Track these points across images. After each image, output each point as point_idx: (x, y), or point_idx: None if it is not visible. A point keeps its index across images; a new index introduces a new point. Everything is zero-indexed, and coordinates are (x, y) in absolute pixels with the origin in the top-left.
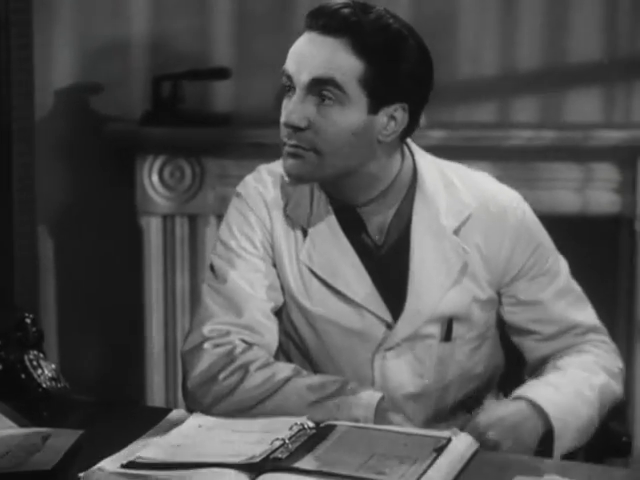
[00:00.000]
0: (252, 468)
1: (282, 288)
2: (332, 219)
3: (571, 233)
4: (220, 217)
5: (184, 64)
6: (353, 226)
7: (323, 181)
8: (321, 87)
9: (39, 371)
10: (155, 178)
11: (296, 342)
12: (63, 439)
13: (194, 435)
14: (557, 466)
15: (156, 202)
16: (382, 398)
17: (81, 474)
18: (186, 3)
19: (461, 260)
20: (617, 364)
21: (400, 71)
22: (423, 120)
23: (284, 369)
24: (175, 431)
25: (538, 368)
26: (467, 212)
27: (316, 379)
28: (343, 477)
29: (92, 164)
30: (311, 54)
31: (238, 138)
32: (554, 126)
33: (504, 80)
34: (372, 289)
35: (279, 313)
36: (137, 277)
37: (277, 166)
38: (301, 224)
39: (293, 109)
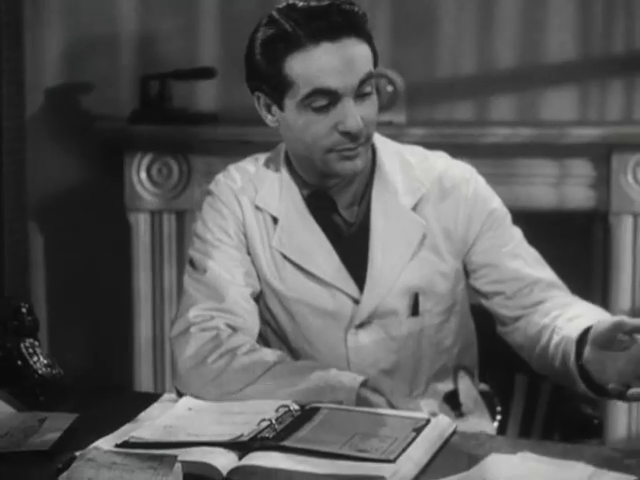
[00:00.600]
0: (240, 447)
1: (258, 276)
2: (301, 204)
3: (547, 227)
4: None
5: (171, 64)
6: (325, 207)
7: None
8: (364, 86)
9: (35, 358)
10: (143, 175)
11: (274, 328)
12: (59, 422)
13: (185, 417)
14: (531, 444)
15: (144, 198)
16: (364, 382)
17: (77, 453)
18: (173, 4)
19: (419, 233)
20: None
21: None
22: (403, 118)
23: (270, 354)
24: (166, 414)
25: (515, 333)
26: (423, 189)
27: (300, 364)
28: (327, 454)
29: (82, 161)
30: (343, 63)
31: (224, 136)
32: (530, 124)
33: (482, 79)
34: (340, 267)
35: (257, 301)
36: (126, 271)
37: (245, 164)
38: (271, 212)
39: (352, 116)
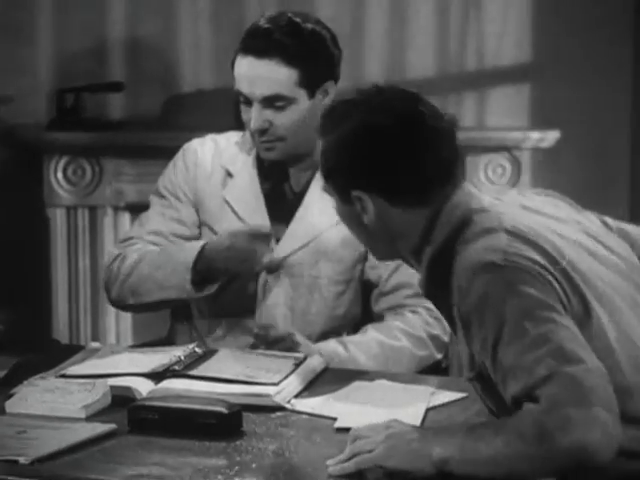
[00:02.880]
0: (156, 376)
1: (197, 223)
2: (254, 172)
3: None
4: (116, 208)
5: (84, 79)
6: (278, 176)
7: (288, 157)
8: (272, 101)
9: None
10: (60, 175)
11: None
12: (4, 363)
13: (108, 357)
14: (389, 375)
15: (61, 196)
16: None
17: (25, 382)
18: (85, 28)
19: None
20: (430, 330)
21: (321, 58)
22: None
23: (150, 251)
24: (94, 356)
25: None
26: None
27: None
28: (224, 380)
29: (5, 164)
30: (256, 77)
31: (130, 141)
32: None
33: None
34: (267, 221)
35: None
36: (45, 261)
37: (221, 135)
38: (231, 171)
39: (256, 119)
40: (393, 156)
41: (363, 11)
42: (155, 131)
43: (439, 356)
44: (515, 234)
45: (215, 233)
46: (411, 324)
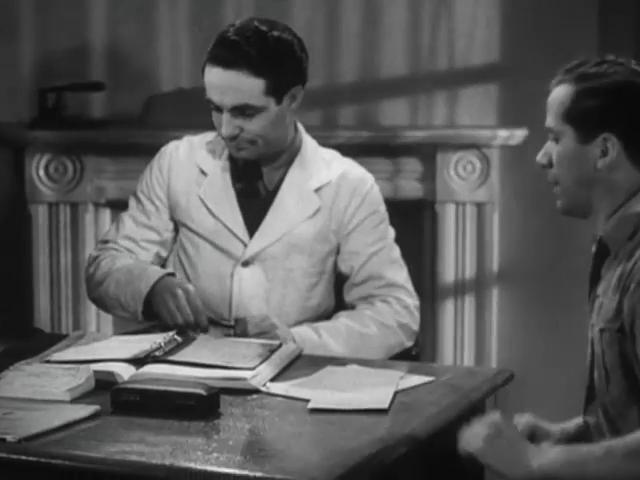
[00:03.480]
0: (137, 362)
1: (171, 227)
2: (227, 171)
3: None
4: (97, 205)
5: (66, 78)
6: (252, 174)
7: (259, 156)
8: (241, 109)
9: None
10: (42, 172)
11: (182, 259)
12: None
13: (91, 344)
14: (357, 361)
15: (43, 193)
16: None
17: (11, 367)
18: (67, 28)
19: (313, 209)
20: (400, 319)
21: (288, 65)
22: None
23: (118, 268)
24: (77, 343)
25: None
26: (329, 179)
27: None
28: (202, 365)
29: None
30: (226, 87)
31: (111, 139)
32: (369, 128)
33: (329, 91)
34: (239, 217)
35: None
36: (27, 256)
37: (198, 135)
38: (204, 170)
39: (226, 127)
40: None
41: (337, 13)
42: (135, 129)
43: (409, 344)
44: None
45: (192, 231)
46: (381, 313)
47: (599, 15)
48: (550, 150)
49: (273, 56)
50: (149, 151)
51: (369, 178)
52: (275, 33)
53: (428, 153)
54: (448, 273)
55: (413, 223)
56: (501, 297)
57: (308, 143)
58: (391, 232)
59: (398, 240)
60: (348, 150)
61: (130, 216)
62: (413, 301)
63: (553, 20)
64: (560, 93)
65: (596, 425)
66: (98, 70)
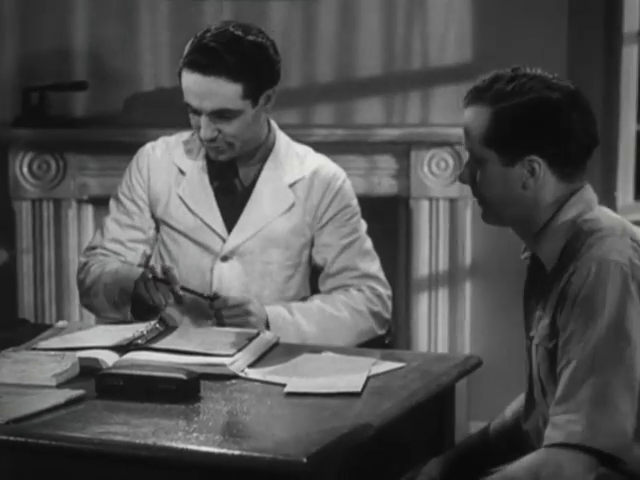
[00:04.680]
0: (120, 349)
1: (154, 225)
2: (204, 169)
3: (360, 210)
4: (80, 201)
5: (49, 78)
6: (228, 171)
7: (236, 156)
8: (220, 113)
9: None
10: (25, 170)
11: (162, 255)
12: None
13: (76, 332)
14: (333, 349)
15: (27, 189)
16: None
17: None
18: (50, 29)
19: (288, 203)
20: (372, 307)
21: (263, 68)
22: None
23: (107, 272)
24: (62, 332)
25: None
26: (302, 174)
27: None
28: (184, 352)
29: None
30: (204, 93)
31: (93, 137)
32: (345, 126)
33: (306, 90)
34: (217, 213)
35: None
36: (10, 251)
37: (174, 135)
38: (183, 169)
39: (205, 129)
40: (565, 126)
41: (314, 14)
42: (117, 127)
43: (380, 332)
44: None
45: (172, 228)
46: (354, 299)
47: (569, 14)
48: (473, 170)
49: (250, 61)
50: (130, 149)
51: (341, 174)
52: (250, 38)
53: (402, 150)
54: (422, 267)
55: (388, 219)
56: (474, 290)
57: (281, 139)
58: (363, 225)
59: (374, 235)
60: (324, 147)
61: (113, 219)
62: (386, 291)
63: (524, 20)
64: (477, 116)
65: (536, 432)
66: (81, 70)
